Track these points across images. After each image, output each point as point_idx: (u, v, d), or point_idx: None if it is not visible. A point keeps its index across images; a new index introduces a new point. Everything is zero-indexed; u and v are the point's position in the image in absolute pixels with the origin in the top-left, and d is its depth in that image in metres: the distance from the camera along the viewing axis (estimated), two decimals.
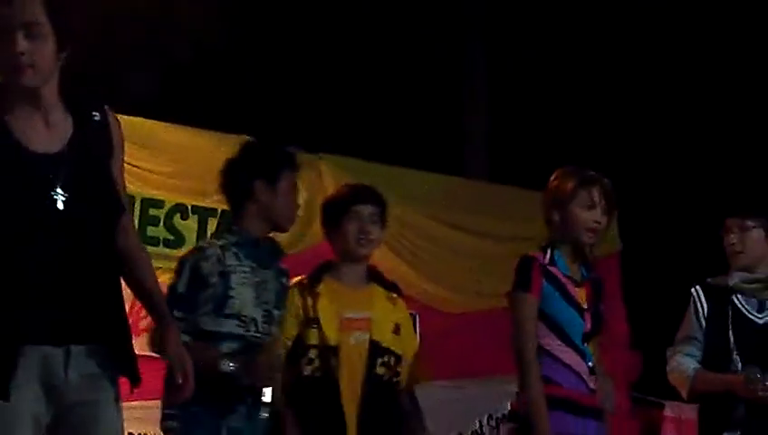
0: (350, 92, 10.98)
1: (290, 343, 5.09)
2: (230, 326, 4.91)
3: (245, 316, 4.93)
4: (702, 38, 11.51)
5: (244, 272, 4.96)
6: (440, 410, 7.94)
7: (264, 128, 8.20)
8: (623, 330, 8.17)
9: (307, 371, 5.05)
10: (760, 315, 5.43)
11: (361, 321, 5.17)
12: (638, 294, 8.80)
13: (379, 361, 5.14)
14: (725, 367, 5.38)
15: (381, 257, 7.98)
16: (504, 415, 8.25)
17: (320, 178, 7.93)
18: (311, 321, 5.09)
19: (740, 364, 5.36)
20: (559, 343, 5.07)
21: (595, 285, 5.21)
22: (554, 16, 11.35)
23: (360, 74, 11.08)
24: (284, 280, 5.18)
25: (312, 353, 5.07)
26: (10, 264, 3.79)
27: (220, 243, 5.01)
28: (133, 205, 7.18)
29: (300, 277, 5.25)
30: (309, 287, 5.15)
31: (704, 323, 5.52)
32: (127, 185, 7.10)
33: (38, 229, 3.81)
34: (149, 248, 5.83)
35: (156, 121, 7.59)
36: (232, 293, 4.91)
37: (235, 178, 5.16)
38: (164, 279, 4.77)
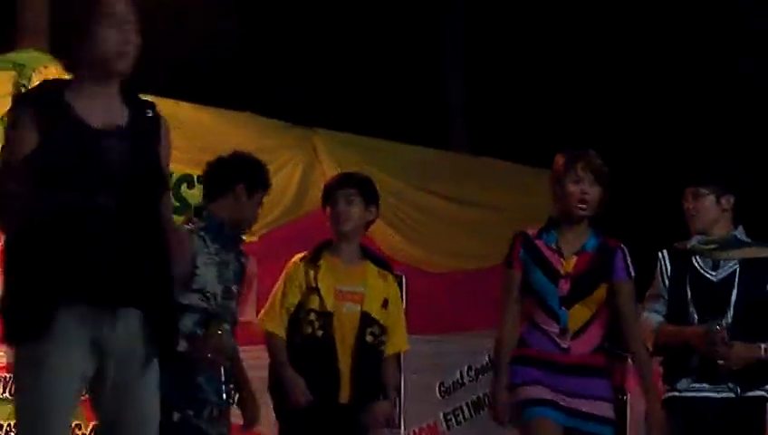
0: (342, 71, 10.92)
1: (292, 310, 5.43)
2: (194, 300, 5.05)
3: (208, 292, 5.09)
4: (671, 16, 11.38)
5: (209, 253, 5.15)
6: (425, 363, 8.09)
7: (262, 104, 8.30)
8: None
9: (308, 330, 5.37)
10: (714, 273, 5.43)
11: (354, 294, 5.45)
12: None
13: (368, 330, 5.42)
14: (684, 320, 5.41)
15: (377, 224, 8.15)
16: (482, 366, 8.35)
17: (314, 152, 7.97)
18: (312, 289, 5.39)
19: (696, 317, 5.39)
20: (536, 306, 5.17)
21: (596, 258, 5.22)
22: None
23: (350, 54, 11.00)
24: (243, 260, 5.34)
25: (313, 316, 5.38)
26: (71, 225, 3.80)
27: (189, 227, 5.20)
28: None
29: (303, 253, 5.54)
30: (311, 261, 5.47)
31: (667, 282, 5.52)
32: None
33: (95, 191, 3.82)
34: None
35: (165, 99, 7.59)
36: (197, 271, 5.07)
37: (224, 174, 5.36)
38: None
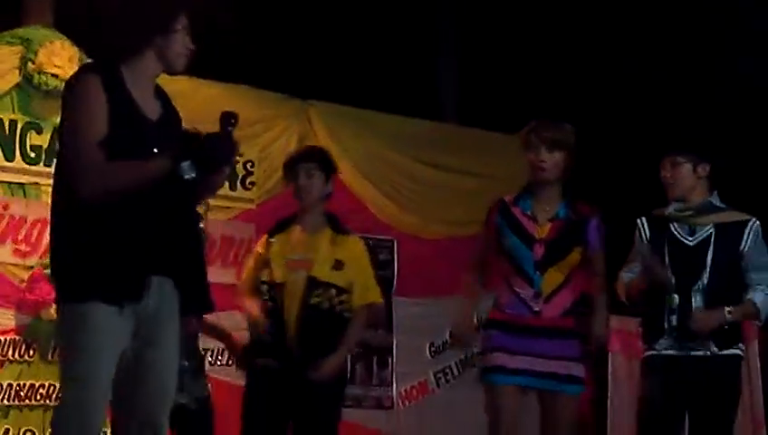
0: (337, 46, 10.88)
1: (252, 281, 5.62)
2: None
3: None
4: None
5: None
6: (415, 324, 8.18)
7: (258, 77, 8.22)
8: None
9: (265, 301, 5.50)
10: (691, 238, 5.45)
11: (304, 262, 5.49)
12: None
13: (314, 293, 5.45)
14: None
15: (363, 189, 8.13)
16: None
17: (309, 124, 7.95)
18: (266, 263, 5.53)
19: (673, 279, 5.39)
20: (511, 271, 5.20)
21: (568, 224, 5.24)
22: None
23: (344, 29, 10.96)
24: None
25: (265, 288, 5.51)
26: (131, 210, 3.96)
27: None
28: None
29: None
30: (267, 239, 5.63)
31: (646, 242, 5.55)
32: None
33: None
34: None
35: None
36: None
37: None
38: None
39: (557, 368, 5.16)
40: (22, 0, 7.84)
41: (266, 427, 5.47)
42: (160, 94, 4.23)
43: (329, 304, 5.49)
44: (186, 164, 3.96)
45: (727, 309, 5.36)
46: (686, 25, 11.01)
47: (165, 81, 7.45)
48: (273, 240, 5.59)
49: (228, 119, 4.19)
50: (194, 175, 4.02)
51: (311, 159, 5.63)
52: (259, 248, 5.67)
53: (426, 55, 10.29)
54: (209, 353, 6.91)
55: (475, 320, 5.34)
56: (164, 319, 4.11)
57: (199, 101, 7.41)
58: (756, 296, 5.44)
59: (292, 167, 5.66)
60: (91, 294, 3.96)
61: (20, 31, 7.00)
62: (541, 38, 11.25)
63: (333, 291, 5.49)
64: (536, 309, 5.15)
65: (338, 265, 5.51)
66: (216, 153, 4.16)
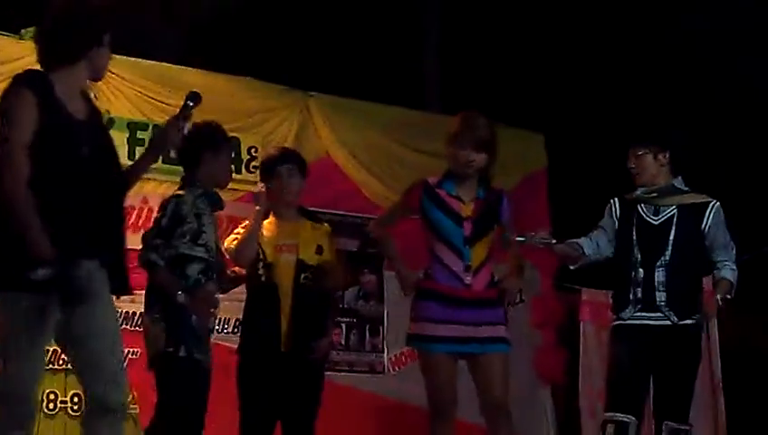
0: (333, 43, 10.90)
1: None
2: (200, 252, 5.24)
3: (209, 245, 5.29)
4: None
5: (207, 214, 5.32)
6: (402, 296, 8.06)
7: (262, 69, 8.19)
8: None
9: (258, 278, 5.67)
10: (655, 218, 5.52)
11: (290, 246, 5.69)
12: (563, 204, 8.78)
13: (303, 274, 5.66)
14: (629, 258, 5.51)
15: (356, 172, 8.09)
16: None
17: (308, 113, 7.91)
18: (259, 246, 5.64)
19: (639, 256, 5.47)
20: (440, 245, 5.25)
21: (486, 203, 5.32)
22: None
23: (340, 28, 10.98)
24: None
25: (260, 265, 5.65)
26: (63, 201, 4.08)
27: (195, 193, 5.33)
28: (156, 128, 7.04)
29: None
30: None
31: (615, 220, 5.63)
32: (148, 114, 7.16)
33: (72, 168, 4.13)
34: (165, 166, 6.61)
35: (172, 66, 7.60)
36: (204, 229, 5.26)
37: (191, 146, 5.39)
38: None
39: (483, 332, 5.22)
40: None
41: (262, 404, 5.60)
42: (85, 96, 4.36)
43: (314, 283, 5.70)
44: None
45: (718, 296, 5.45)
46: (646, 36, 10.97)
47: (176, 72, 7.51)
48: (263, 225, 5.73)
49: (191, 97, 4.55)
50: None
51: (291, 161, 5.79)
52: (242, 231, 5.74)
53: (412, 53, 10.34)
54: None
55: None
56: (96, 296, 4.16)
57: (207, 93, 7.42)
58: (726, 273, 5.51)
59: (272, 168, 5.77)
60: (16, 282, 4.02)
61: None
62: (515, 38, 11.27)
63: (316, 272, 5.71)
64: (467, 282, 5.20)
65: (319, 250, 5.75)
66: (159, 142, 4.53)
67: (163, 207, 5.35)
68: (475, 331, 5.20)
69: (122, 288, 4.34)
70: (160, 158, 6.80)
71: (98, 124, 4.43)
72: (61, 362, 6.49)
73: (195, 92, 4.60)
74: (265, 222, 5.73)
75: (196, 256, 5.24)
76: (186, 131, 4.64)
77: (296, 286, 5.65)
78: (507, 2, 11.15)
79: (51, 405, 6.71)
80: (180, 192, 5.38)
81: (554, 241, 5.60)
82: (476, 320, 5.21)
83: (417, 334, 5.29)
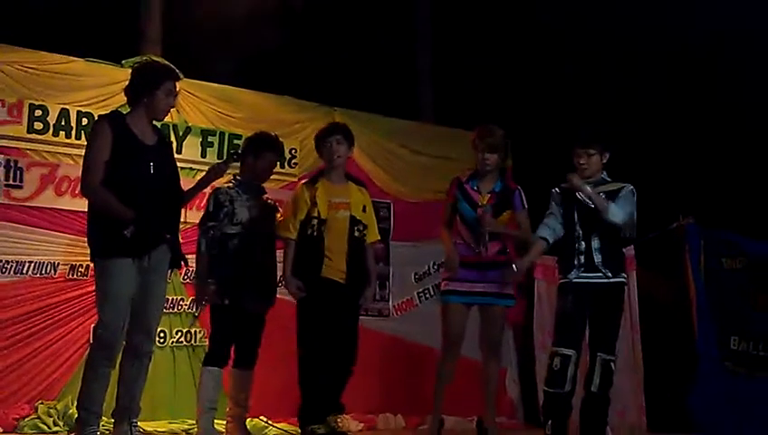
0: (351, 68, 10.76)
1: (302, 217, 5.32)
2: (236, 229, 5.35)
3: (243, 224, 5.36)
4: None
5: (241, 199, 5.42)
6: (405, 259, 8.08)
7: (298, 90, 8.05)
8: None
9: (309, 232, 5.32)
10: (591, 201, 5.43)
11: (343, 204, 5.37)
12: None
13: (355, 228, 5.37)
14: (572, 232, 5.45)
15: (369, 167, 7.94)
16: (442, 262, 8.31)
17: None
18: (313, 203, 5.30)
19: (580, 230, 5.40)
20: (462, 225, 5.42)
21: (501, 195, 5.44)
22: None
23: (352, 56, 10.83)
24: (270, 202, 5.62)
25: (314, 222, 5.29)
26: (134, 200, 4.31)
27: (230, 185, 5.48)
28: (222, 134, 7.20)
29: (305, 180, 5.59)
30: (311, 184, 5.41)
31: (560, 206, 5.48)
32: (215, 123, 7.15)
33: (141, 178, 4.38)
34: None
35: (233, 87, 7.51)
36: (236, 211, 5.38)
37: (242, 150, 5.60)
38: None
39: (493, 288, 5.37)
40: (139, 35, 7.82)
41: (320, 327, 5.17)
42: (156, 130, 4.60)
43: (361, 236, 5.41)
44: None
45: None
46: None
47: (235, 93, 7.57)
48: (317, 186, 5.36)
49: (235, 153, 5.04)
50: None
51: (339, 132, 5.51)
52: (302, 194, 5.36)
53: (410, 75, 10.26)
54: None
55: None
56: (158, 270, 4.45)
57: (257, 108, 7.52)
58: (611, 206, 5.36)
59: (324, 137, 5.49)
60: (114, 250, 4.31)
61: (137, 58, 6.73)
62: (492, 65, 11.09)
63: (362, 227, 5.42)
64: (477, 250, 5.38)
65: (364, 209, 5.45)
66: (210, 175, 4.85)
67: (208, 197, 5.50)
68: (487, 287, 5.34)
69: (176, 265, 4.59)
70: (225, 155, 7.05)
71: (164, 150, 4.61)
72: (169, 307, 6.59)
73: (237, 151, 5.02)
74: (318, 183, 5.36)
75: (232, 234, 5.35)
76: (228, 170, 4.97)
77: (351, 238, 5.31)
78: (489, 34, 10.91)
79: (161, 341, 6.63)
80: (219, 186, 5.47)
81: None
82: (486, 279, 5.34)
83: (442, 291, 5.47)
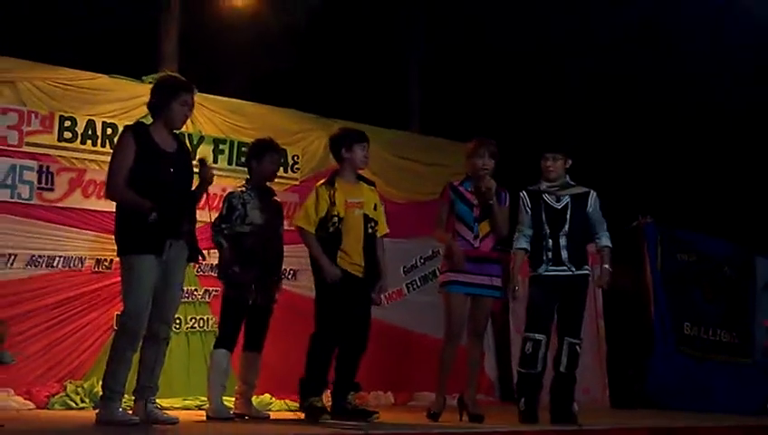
0: (348, 87, 10.78)
1: (323, 214, 5.15)
2: (247, 229, 5.32)
3: (255, 224, 5.33)
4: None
5: (253, 201, 5.38)
6: (395, 254, 7.83)
7: (300, 103, 8.04)
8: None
9: (330, 228, 5.18)
10: (557, 203, 5.46)
11: (358, 203, 5.26)
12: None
13: (369, 225, 5.26)
14: (541, 232, 5.43)
15: (364, 173, 8.14)
16: (428, 256, 8.14)
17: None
18: (332, 203, 5.18)
19: (548, 230, 5.38)
20: (459, 224, 5.38)
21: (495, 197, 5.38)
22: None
23: (349, 77, 10.81)
24: (278, 202, 5.58)
25: (335, 220, 5.15)
26: (156, 200, 4.33)
27: (241, 190, 5.46)
28: (233, 143, 7.15)
29: (323, 180, 5.37)
30: (329, 185, 5.26)
31: (529, 211, 5.46)
32: (226, 133, 7.12)
33: (161, 182, 4.40)
34: (240, 168, 6.58)
35: (242, 101, 7.46)
36: (248, 213, 5.35)
37: (247, 156, 5.60)
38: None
39: (486, 281, 5.34)
40: (157, 52, 7.76)
41: (338, 314, 5.08)
42: (176, 138, 4.60)
43: (374, 232, 5.30)
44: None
45: (606, 265, 5.44)
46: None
47: (243, 105, 7.56)
48: (335, 187, 5.21)
49: (201, 162, 4.74)
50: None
51: (365, 140, 5.35)
52: (322, 193, 5.18)
53: (400, 91, 10.27)
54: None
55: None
56: (177, 264, 4.45)
57: (264, 119, 7.47)
58: (605, 241, 5.48)
59: (353, 142, 5.28)
60: (139, 247, 4.32)
61: (156, 75, 6.64)
62: (475, 83, 11.02)
63: (374, 224, 5.30)
64: (476, 246, 5.35)
65: (375, 207, 5.34)
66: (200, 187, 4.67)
67: (222, 200, 5.50)
68: (480, 278, 5.29)
69: (194, 258, 4.59)
70: (234, 161, 7.10)
71: (183, 156, 4.61)
72: (184, 296, 6.50)
73: (201, 159, 4.82)
74: (336, 183, 5.20)
75: (245, 233, 5.33)
76: (210, 173, 4.75)
77: (366, 235, 5.18)
78: (474, 57, 10.91)
79: (177, 327, 6.53)
80: (232, 190, 5.50)
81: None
82: (481, 271, 5.30)
83: (443, 282, 5.39)
